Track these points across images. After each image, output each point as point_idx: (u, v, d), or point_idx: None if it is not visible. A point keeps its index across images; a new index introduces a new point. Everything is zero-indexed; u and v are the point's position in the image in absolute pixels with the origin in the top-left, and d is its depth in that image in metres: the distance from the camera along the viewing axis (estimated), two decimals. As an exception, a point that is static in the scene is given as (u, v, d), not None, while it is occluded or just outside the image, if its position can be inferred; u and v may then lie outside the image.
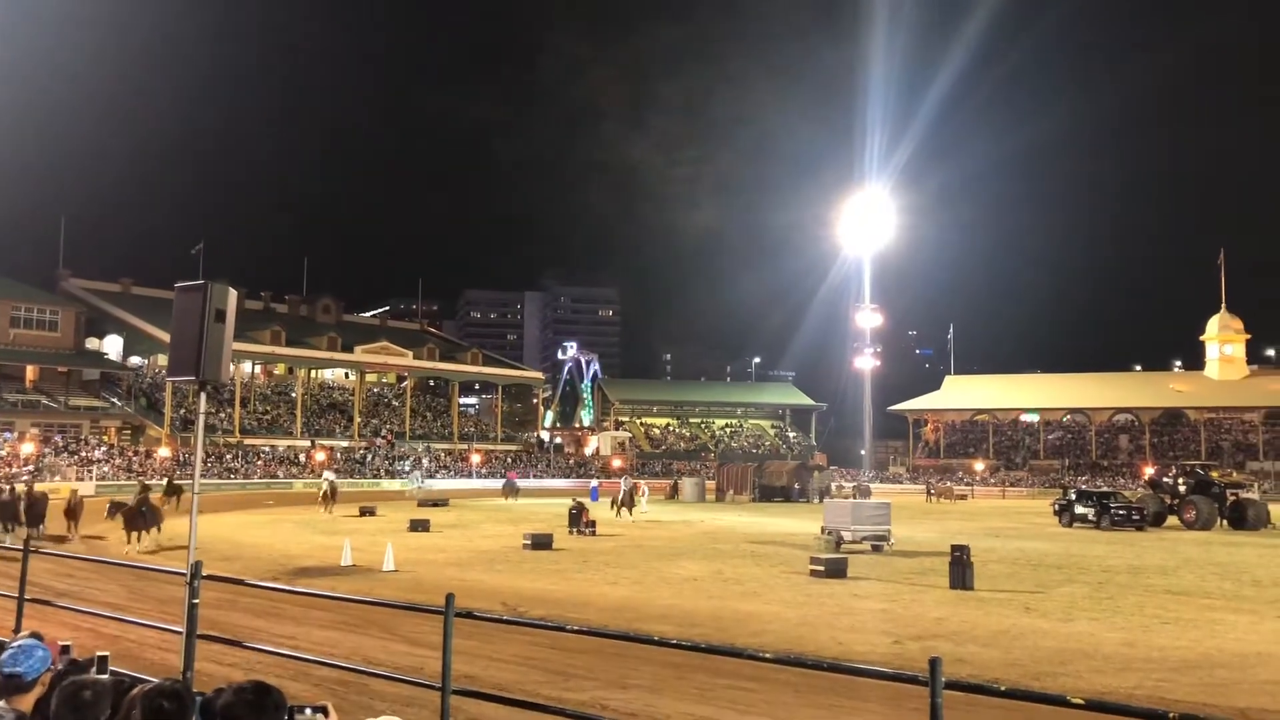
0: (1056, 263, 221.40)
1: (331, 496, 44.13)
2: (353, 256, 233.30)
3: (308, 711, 3.79)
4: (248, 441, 74.70)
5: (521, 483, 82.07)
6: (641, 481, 62.13)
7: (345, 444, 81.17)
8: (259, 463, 71.08)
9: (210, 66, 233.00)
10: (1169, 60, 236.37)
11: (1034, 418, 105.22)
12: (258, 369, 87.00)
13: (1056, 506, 45.38)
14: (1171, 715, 3.99)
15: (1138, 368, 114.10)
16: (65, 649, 5.32)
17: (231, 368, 78.10)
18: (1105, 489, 51.87)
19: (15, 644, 4.31)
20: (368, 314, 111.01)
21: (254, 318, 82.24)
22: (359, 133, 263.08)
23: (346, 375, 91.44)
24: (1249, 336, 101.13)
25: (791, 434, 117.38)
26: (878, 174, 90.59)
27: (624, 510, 43.58)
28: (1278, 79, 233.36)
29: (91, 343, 76.71)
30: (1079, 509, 42.89)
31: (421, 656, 11.96)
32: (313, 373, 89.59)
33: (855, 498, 49.55)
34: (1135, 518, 41.21)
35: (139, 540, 26.41)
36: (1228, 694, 11.32)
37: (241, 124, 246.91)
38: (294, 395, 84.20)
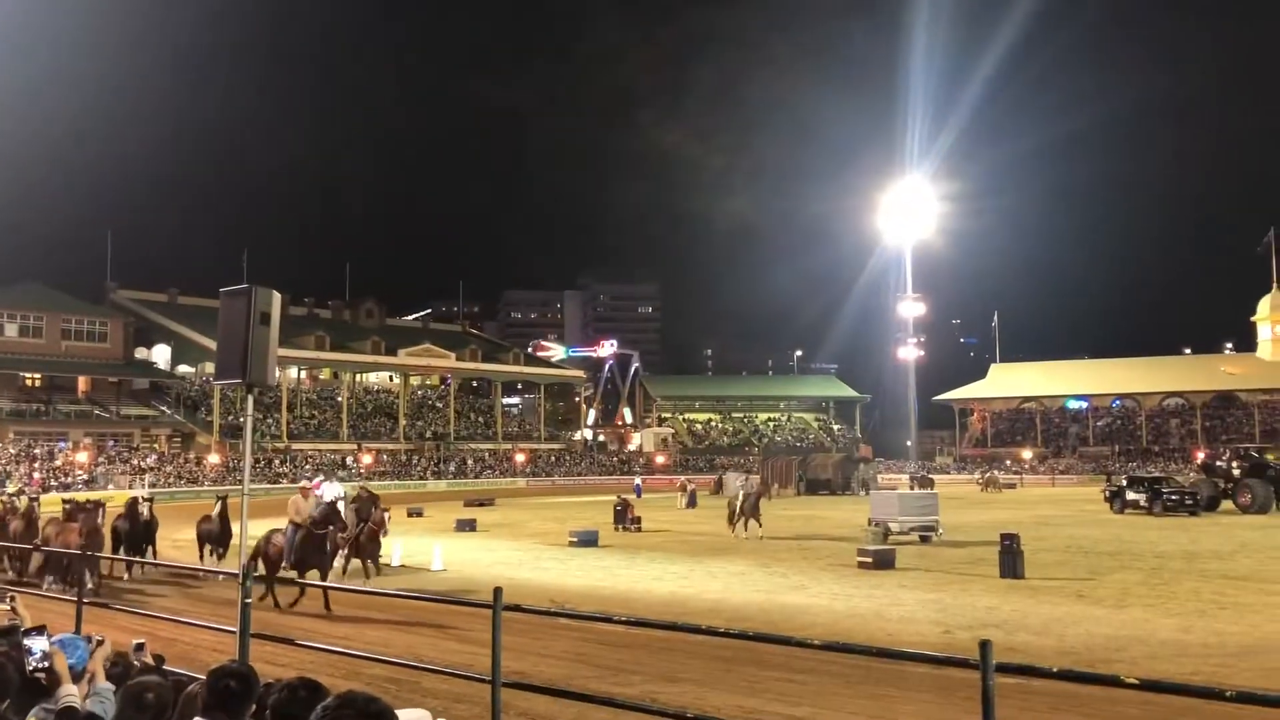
0: (1103, 247, 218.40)
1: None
2: (394, 261, 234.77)
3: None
4: (295, 446, 75.58)
5: (564, 480, 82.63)
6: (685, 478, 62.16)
7: (392, 446, 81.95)
8: (307, 467, 71.91)
9: (248, 74, 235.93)
10: (1219, 42, 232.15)
11: (1082, 404, 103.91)
12: (303, 374, 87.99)
13: (1108, 493, 44.84)
14: (1228, 693, 3.94)
15: (1187, 351, 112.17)
16: (139, 646, 5.51)
17: (277, 372, 79.41)
18: (1157, 474, 51.08)
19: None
20: (410, 317, 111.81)
21: (298, 323, 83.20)
22: (395, 138, 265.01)
23: (391, 378, 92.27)
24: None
25: (836, 426, 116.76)
26: (919, 161, 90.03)
27: (751, 523, 30.78)
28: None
29: (140, 352, 78.06)
30: (1131, 495, 42.36)
31: (472, 654, 12.03)
32: (357, 377, 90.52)
33: (913, 489, 49.18)
34: (1189, 503, 40.62)
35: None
36: (1288, 678, 11.12)
37: (281, 132, 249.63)
38: (339, 400, 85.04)
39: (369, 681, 10.22)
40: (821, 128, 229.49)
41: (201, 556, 22.76)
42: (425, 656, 11.97)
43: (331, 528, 17.69)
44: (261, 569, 17.46)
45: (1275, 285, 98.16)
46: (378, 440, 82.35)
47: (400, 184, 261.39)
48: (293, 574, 17.20)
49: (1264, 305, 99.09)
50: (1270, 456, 46.66)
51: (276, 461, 70.83)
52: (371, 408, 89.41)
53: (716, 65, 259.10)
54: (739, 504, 31.67)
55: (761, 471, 72.90)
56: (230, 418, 73.13)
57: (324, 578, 17.02)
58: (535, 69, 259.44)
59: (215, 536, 22.48)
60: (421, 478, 76.56)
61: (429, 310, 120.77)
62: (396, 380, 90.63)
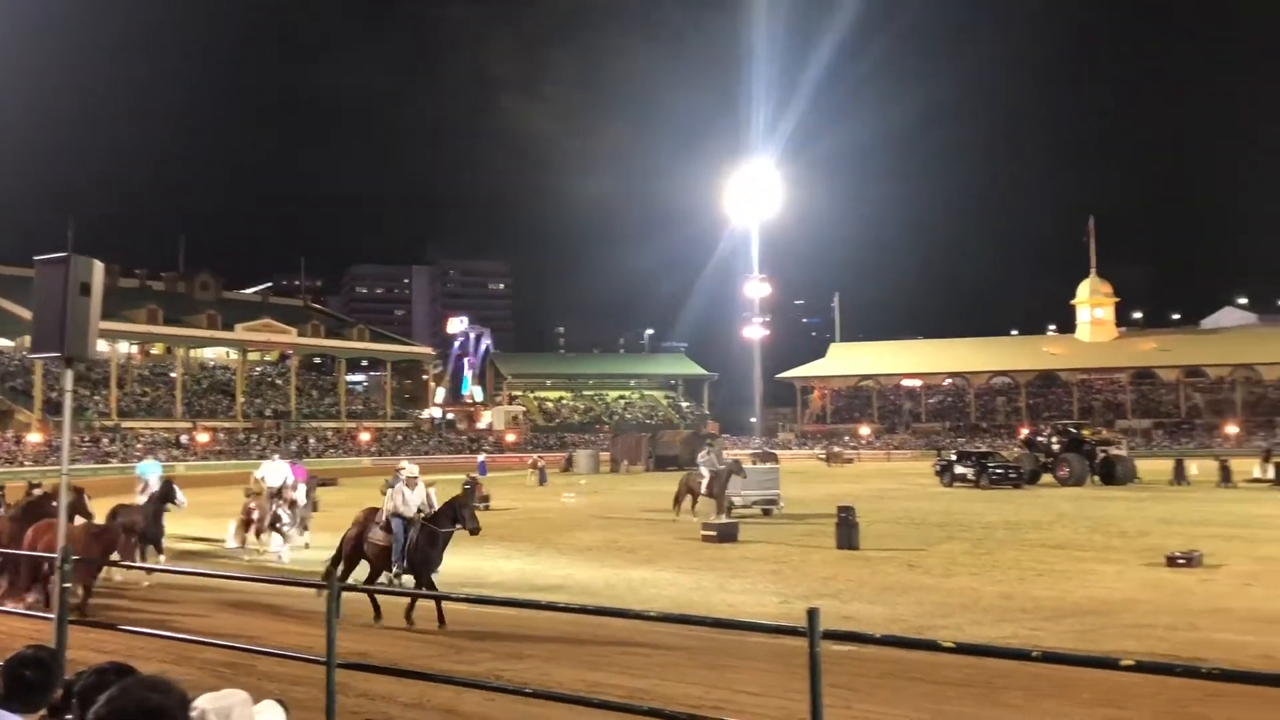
0: (936, 231, 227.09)
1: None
2: (233, 232, 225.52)
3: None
4: (125, 424, 72.17)
5: (411, 460, 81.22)
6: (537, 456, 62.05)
7: (229, 425, 79.12)
8: (138, 446, 68.75)
9: (83, 30, 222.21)
10: (1043, 31, 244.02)
11: (916, 382, 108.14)
12: (134, 349, 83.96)
13: (938, 467, 46.80)
14: (1034, 654, 4.21)
15: (1014, 332, 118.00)
16: None
17: (105, 347, 74.27)
18: (984, 449, 53.64)
19: None
20: (249, 291, 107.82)
21: (129, 296, 79.30)
22: (237, 104, 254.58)
23: (228, 354, 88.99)
24: (1118, 300, 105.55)
25: (684, 403, 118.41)
26: (764, 144, 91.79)
27: (714, 503, 27.88)
28: (1145, 48, 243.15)
29: (-49, 324, 73.05)
30: (959, 469, 44.38)
31: (312, 635, 11.77)
32: (192, 352, 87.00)
33: (756, 464, 50.16)
34: (1012, 476, 42.82)
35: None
36: (1096, 639, 11.90)
37: (115, 93, 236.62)
38: (173, 376, 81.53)
39: (201, 666, 9.90)
40: (674, 111, 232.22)
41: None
42: (262, 639, 11.65)
43: (458, 525, 14.17)
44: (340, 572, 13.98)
45: (1093, 271, 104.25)
46: (214, 418, 79.33)
47: (243, 155, 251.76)
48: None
49: (1083, 289, 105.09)
50: (1086, 432, 49.64)
51: (105, 440, 67.53)
52: (207, 384, 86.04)
53: (572, 49, 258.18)
54: (705, 485, 28.39)
55: (611, 448, 73.52)
56: (54, 394, 69.22)
57: (432, 585, 13.88)
58: (394, 47, 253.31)
59: (140, 530, 17.73)
60: (261, 457, 74.07)
61: (270, 284, 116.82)
62: (234, 356, 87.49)
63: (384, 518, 14.52)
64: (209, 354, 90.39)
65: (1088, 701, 8.42)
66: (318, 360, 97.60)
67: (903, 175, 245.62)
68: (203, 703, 3.02)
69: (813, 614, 4.60)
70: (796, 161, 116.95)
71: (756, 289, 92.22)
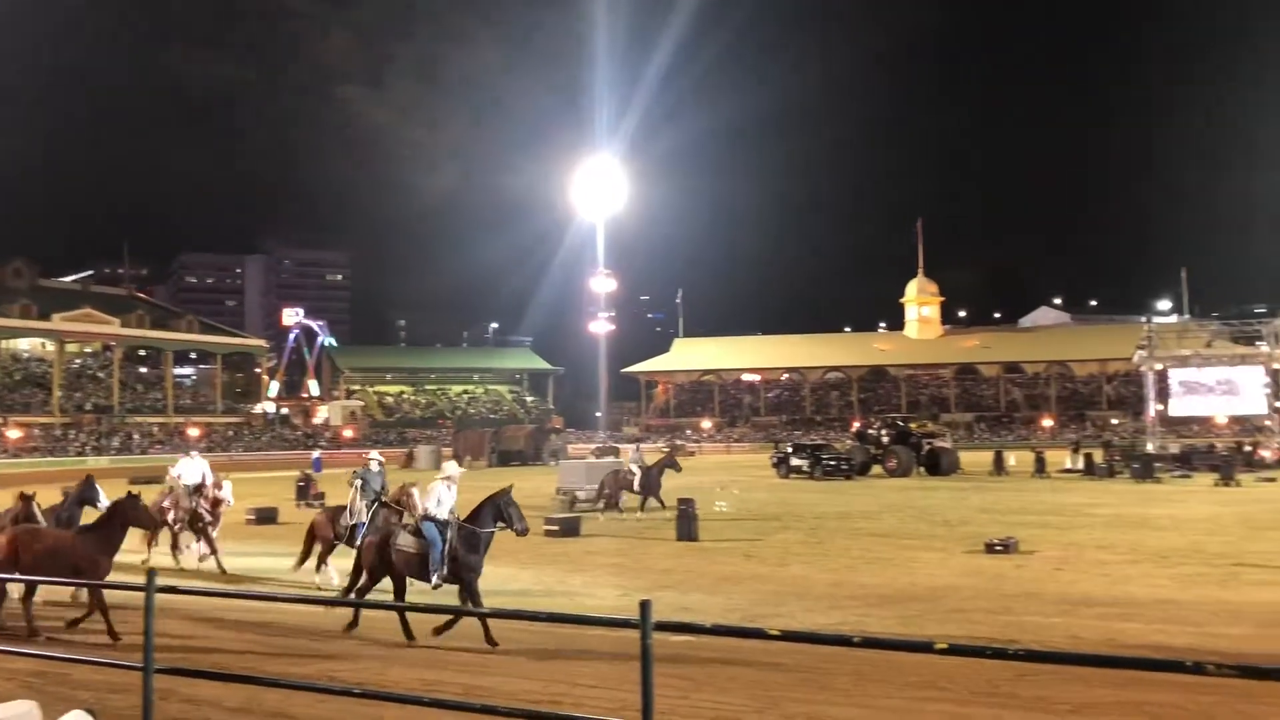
0: (773, 229, 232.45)
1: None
2: (50, 216, 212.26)
3: None
4: (-75, 420, 67.36)
5: (243, 456, 78.47)
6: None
7: (44, 420, 74.73)
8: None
9: None
10: (875, 36, 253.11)
11: (755, 377, 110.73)
12: (-64, 340, 78.54)
13: (774, 459, 48.00)
14: (855, 639, 4.39)
15: (848, 329, 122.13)
16: None
17: (-98, 338, 68.81)
18: (818, 442, 55.31)
19: None
20: (68, 278, 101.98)
21: (-71, 283, 74.06)
22: (59, 79, 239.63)
23: (44, 345, 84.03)
24: (943, 299, 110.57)
25: (529, 398, 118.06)
26: (608, 139, 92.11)
27: (650, 501, 27.95)
28: (975, 56, 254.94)
29: None
30: (794, 461, 45.63)
31: (132, 641, 11.24)
32: (4, 343, 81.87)
33: (599, 458, 50.34)
34: (844, 468, 44.26)
35: None
36: (919, 623, 12.44)
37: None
38: (-19, 368, 76.59)
39: (10, 676, 9.32)
40: (518, 105, 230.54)
41: None
42: (80, 647, 11.08)
43: (501, 525, 12.18)
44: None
45: (920, 271, 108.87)
46: (27, 413, 74.89)
47: (64, 134, 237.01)
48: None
49: (911, 288, 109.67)
50: (913, 425, 51.80)
51: (-99, 438, 62.87)
52: (20, 377, 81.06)
53: (414, 41, 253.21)
54: (636, 482, 27.89)
55: (453, 444, 72.51)
56: None
57: (476, 600, 12.06)
58: (232, 32, 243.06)
59: None
60: (80, 453, 70.30)
61: (91, 272, 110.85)
62: (51, 347, 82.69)
63: (351, 516, 13.98)
64: (23, 345, 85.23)
65: (912, 684, 8.81)
66: (143, 352, 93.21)
67: (742, 173, 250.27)
68: None
69: (645, 606, 4.67)
70: (641, 157, 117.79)
71: (602, 284, 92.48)
